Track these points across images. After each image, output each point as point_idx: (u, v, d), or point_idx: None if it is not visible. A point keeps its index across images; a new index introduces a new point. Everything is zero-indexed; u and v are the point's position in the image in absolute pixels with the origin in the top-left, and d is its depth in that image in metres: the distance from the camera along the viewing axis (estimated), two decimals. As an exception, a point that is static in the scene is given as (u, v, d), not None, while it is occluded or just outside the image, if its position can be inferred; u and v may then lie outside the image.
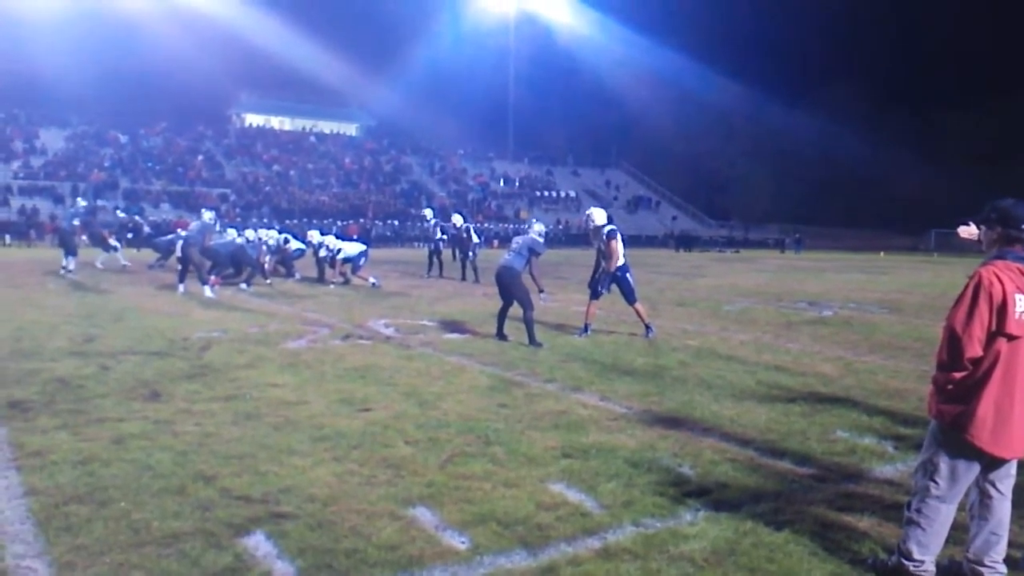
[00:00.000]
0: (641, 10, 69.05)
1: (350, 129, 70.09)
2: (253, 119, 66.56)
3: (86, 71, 52.51)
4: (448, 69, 67.01)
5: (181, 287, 15.71)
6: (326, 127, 66.75)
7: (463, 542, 4.00)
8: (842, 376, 8.36)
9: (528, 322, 10.03)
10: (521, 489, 4.75)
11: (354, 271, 18.29)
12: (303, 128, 65.05)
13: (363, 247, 18.94)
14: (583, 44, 69.32)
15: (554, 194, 62.32)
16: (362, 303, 14.55)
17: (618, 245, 10.79)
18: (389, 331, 11.06)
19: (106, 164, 49.76)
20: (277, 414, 6.35)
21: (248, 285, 16.99)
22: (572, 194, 62.78)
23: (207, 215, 16.47)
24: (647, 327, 10.85)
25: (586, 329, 10.89)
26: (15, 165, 47.03)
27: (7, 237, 36.97)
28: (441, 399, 6.96)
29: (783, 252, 53.32)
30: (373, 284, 17.75)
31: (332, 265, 18.60)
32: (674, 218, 63.61)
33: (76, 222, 21.09)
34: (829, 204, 72.50)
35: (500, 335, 10.46)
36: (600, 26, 68.92)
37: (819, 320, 13.37)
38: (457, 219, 21.76)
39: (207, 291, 15.03)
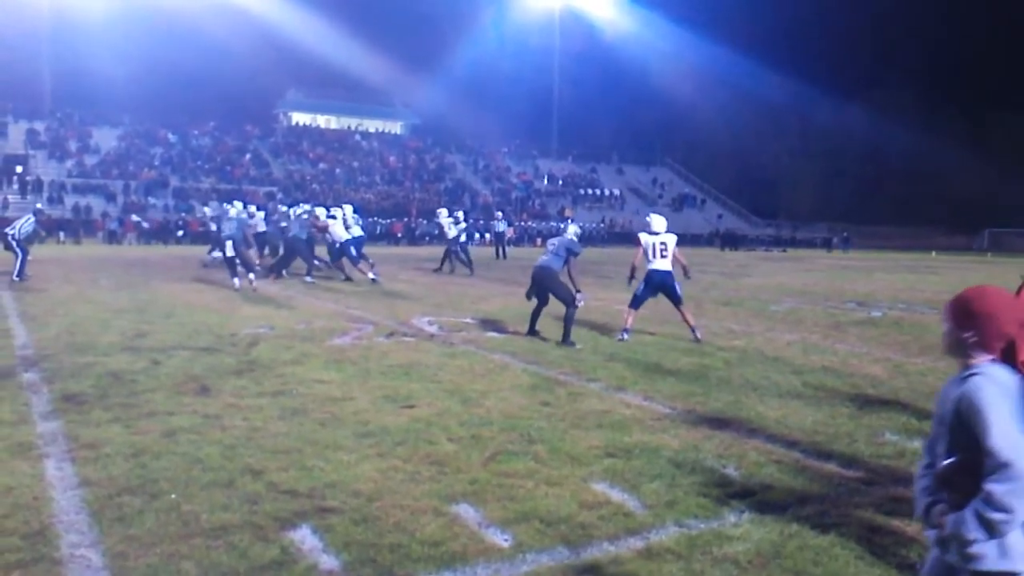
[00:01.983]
0: (688, 5, 68.37)
1: (395, 127, 70.58)
2: (300, 118, 67.33)
3: (138, 72, 53.67)
4: (493, 67, 67.26)
5: (236, 281, 16.00)
6: (371, 125, 67.28)
7: (506, 539, 4.02)
8: (891, 378, 8.22)
9: (568, 319, 10.04)
10: (564, 488, 4.75)
11: (353, 262, 18.57)
12: (349, 126, 65.66)
13: (359, 234, 19.42)
14: (629, 40, 68.90)
15: (598, 192, 62.12)
16: (405, 301, 14.66)
17: (640, 249, 10.89)
18: (432, 328, 11.13)
19: (156, 163, 50.75)
20: (323, 410, 6.43)
21: (310, 276, 18.08)
22: (616, 192, 62.52)
23: (233, 210, 17.08)
24: (693, 330, 10.58)
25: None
26: (69, 164, 48.17)
27: (61, 234, 37.86)
28: (484, 397, 6.99)
29: (831, 251, 52.53)
30: (372, 279, 17.84)
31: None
32: (720, 216, 62.99)
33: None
34: (879, 202, 71.12)
35: (532, 332, 10.58)
36: (646, 22, 68.46)
37: (868, 321, 13.15)
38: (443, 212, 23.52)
39: (253, 280, 15.83)
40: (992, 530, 2.19)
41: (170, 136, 54.72)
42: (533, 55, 68.70)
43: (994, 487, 2.16)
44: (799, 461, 5.36)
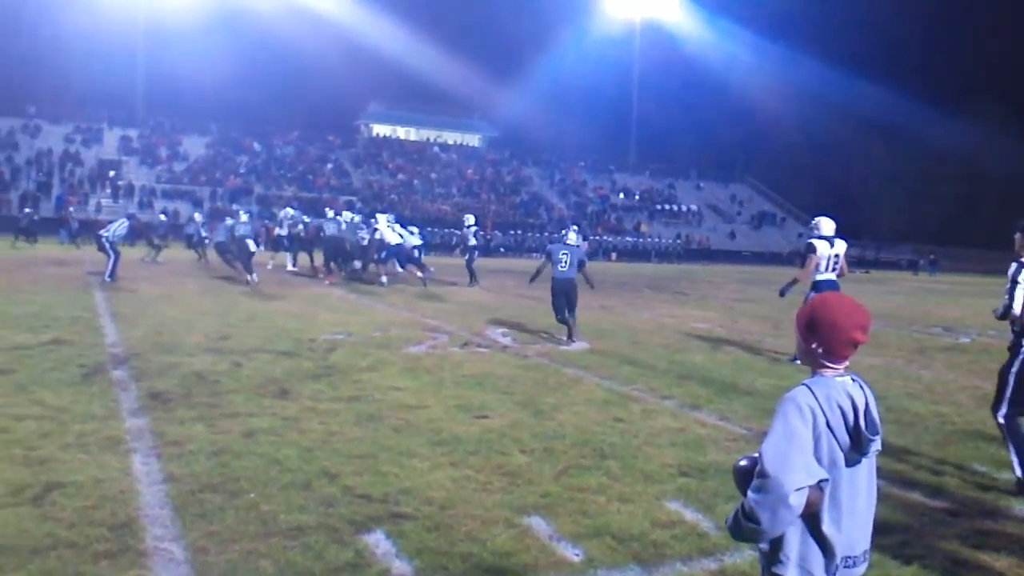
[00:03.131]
0: (773, 16, 67.22)
1: (473, 140, 71.23)
2: (380, 129, 68.50)
3: (226, 82, 55.45)
4: (571, 79, 67.23)
5: (250, 277, 17.90)
6: (450, 138, 68.03)
7: (577, 554, 4.00)
8: (979, 407, 7.91)
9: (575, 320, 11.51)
10: (636, 505, 4.71)
11: (401, 263, 19.60)
12: (428, 138, 66.52)
13: (410, 241, 20.19)
14: (710, 53, 67.96)
15: (675, 208, 61.52)
16: (480, 312, 14.74)
17: (813, 260, 10.12)
18: (506, 340, 11.17)
19: (242, 171, 52.22)
20: (397, 417, 6.51)
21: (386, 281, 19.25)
22: (694, 208, 61.81)
23: (243, 217, 19.33)
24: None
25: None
26: (159, 170, 49.96)
27: (155, 238, 39.19)
28: (557, 410, 6.98)
29: (916, 274, 50.88)
30: (421, 277, 19.44)
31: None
32: (800, 235, 61.59)
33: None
34: (972, 225, 68.59)
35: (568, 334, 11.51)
36: (728, 33, 67.31)
37: (955, 347, 12.70)
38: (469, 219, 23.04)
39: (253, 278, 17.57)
40: (743, 536, 2.19)
41: (255, 145, 56.27)
42: (612, 68, 68.44)
43: (749, 494, 2.14)
44: (881, 489, 5.19)
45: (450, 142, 66.96)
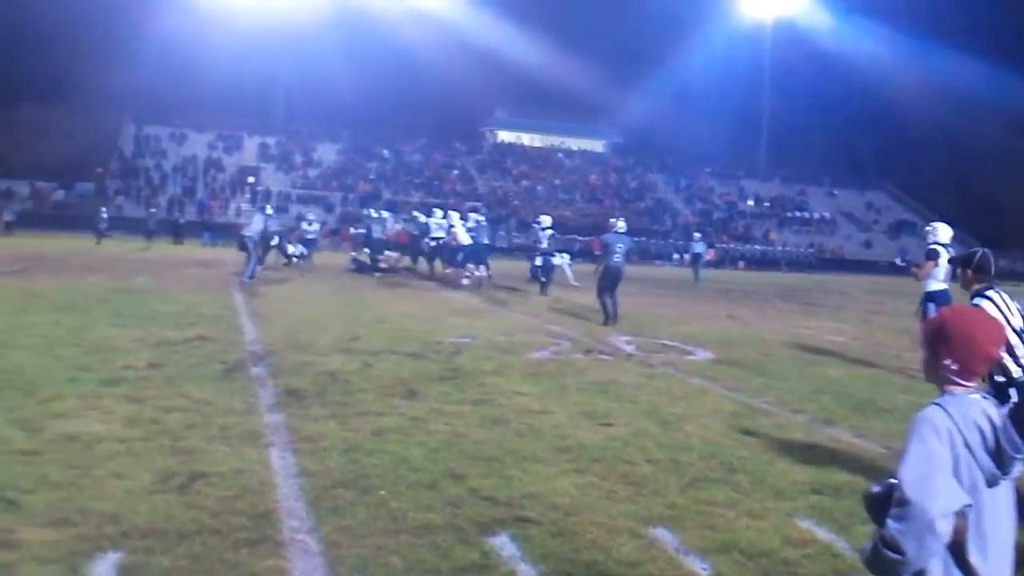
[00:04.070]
0: (914, 12, 63.62)
1: (597, 146, 71.04)
2: (505, 135, 69.28)
3: (358, 92, 57.21)
4: (698, 82, 65.84)
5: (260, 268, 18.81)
6: (574, 144, 68.11)
7: (704, 568, 3.92)
8: None
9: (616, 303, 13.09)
10: (766, 521, 4.57)
11: (457, 264, 19.93)
12: (552, 144, 66.82)
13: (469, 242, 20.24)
14: (847, 52, 65.13)
15: (807, 215, 59.56)
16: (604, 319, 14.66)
17: (931, 265, 9.71)
18: (630, 348, 11.07)
19: (371, 177, 53.90)
20: (522, 421, 6.55)
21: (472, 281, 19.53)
22: (826, 216, 59.69)
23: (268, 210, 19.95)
24: None
25: None
26: (294, 176, 52.18)
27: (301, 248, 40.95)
28: (683, 421, 6.86)
29: (1071, 288, 47.44)
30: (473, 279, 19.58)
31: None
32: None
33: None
34: None
35: (608, 318, 13.15)
36: (866, 33, 64.30)
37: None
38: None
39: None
40: (883, 569, 2.02)
41: (384, 152, 57.95)
42: (742, 69, 66.55)
43: (890, 523, 1.99)
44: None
45: (574, 148, 67.05)
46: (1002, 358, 4.68)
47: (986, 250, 5.29)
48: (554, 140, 67.84)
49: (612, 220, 14.53)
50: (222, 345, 9.51)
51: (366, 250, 24.63)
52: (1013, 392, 4.73)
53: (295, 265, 23.42)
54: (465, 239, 20.14)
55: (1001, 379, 4.75)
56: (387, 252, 24.22)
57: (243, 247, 18.75)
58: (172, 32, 50.86)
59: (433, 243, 21.77)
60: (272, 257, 23.04)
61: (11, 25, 60.37)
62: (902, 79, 63.46)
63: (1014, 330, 4.78)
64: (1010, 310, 4.86)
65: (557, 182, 58.48)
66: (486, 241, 21.61)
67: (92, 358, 8.23)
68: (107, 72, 52.43)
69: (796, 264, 48.89)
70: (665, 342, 11.82)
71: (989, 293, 4.87)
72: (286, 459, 5.27)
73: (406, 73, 61.35)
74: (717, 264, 46.50)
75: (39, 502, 4.30)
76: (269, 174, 51.94)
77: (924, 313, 9.51)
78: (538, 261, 19.64)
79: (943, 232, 9.89)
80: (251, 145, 54.92)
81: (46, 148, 61.45)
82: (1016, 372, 4.74)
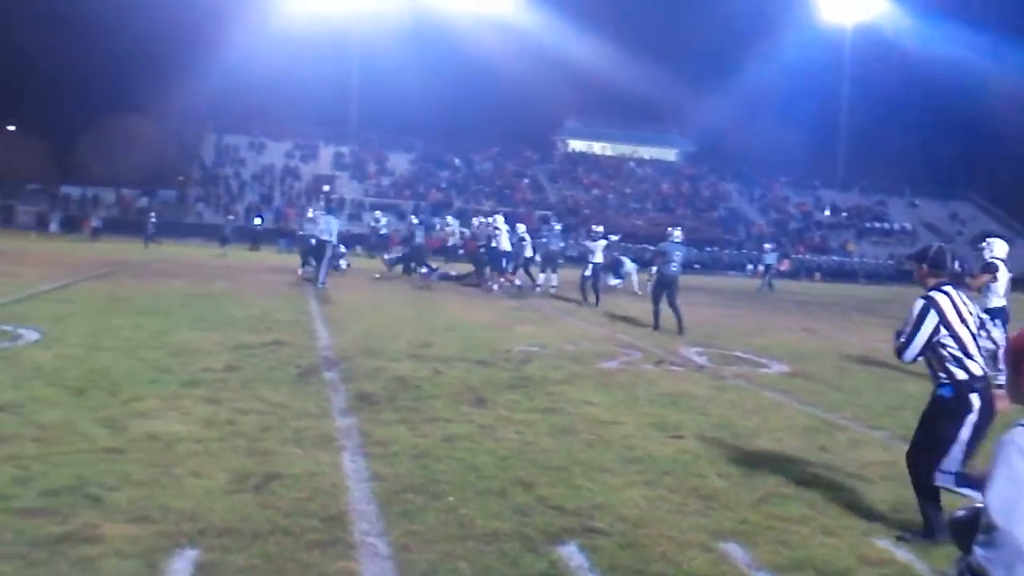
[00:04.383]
0: (1004, 16, 61.19)
1: (669, 155, 70.42)
2: (576, 144, 69.18)
3: (430, 101, 57.93)
4: (774, 89, 64.58)
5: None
6: (646, 153, 67.63)
7: (777, 586, 3.83)
8: None
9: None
10: (842, 539, 4.46)
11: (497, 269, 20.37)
12: (623, 153, 66.47)
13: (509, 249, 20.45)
14: (930, 58, 63.04)
15: (886, 226, 57.93)
16: (674, 330, 14.49)
17: (987, 278, 9.55)
18: (702, 360, 10.92)
19: (443, 185, 54.43)
20: (591, 431, 6.51)
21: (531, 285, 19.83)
22: (907, 227, 57.93)
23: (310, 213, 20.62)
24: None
25: None
26: (367, 184, 53.04)
27: (358, 247, 41.65)
28: (756, 434, 6.73)
29: None
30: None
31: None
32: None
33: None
34: None
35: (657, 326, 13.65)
36: (952, 36, 62.13)
37: None
38: (518, 226, 22.73)
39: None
40: None
41: (456, 160, 58.46)
42: (819, 76, 65.07)
43: (977, 551, 1.91)
44: None
45: (646, 157, 66.58)
46: (961, 354, 4.45)
47: (942, 244, 5.02)
48: (626, 149, 67.48)
49: (669, 229, 14.94)
50: (297, 350, 9.70)
51: (384, 256, 25.18)
52: (974, 397, 4.45)
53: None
54: (506, 245, 20.40)
55: (963, 377, 4.46)
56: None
57: (311, 251, 19.12)
58: (251, 44, 52.32)
59: (482, 249, 21.89)
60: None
61: (97, 40, 62.87)
62: (988, 84, 61.03)
63: (969, 330, 4.50)
64: (967, 308, 4.57)
65: (628, 191, 58.13)
66: (560, 246, 21.65)
67: (173, 360, 8.49)
68: (190, 84, 54.23)
69: (875, 276, 47.57)
70: (738, 354, 11.63)
71: (946, 288, 4.57)
72: (357, 463, 5.35)
73: (479, 82, 61.87)
74: (792, 275, 45.51)
75: (122, 499, 4.45)
76: (344, 182, 52.91)
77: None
78: (587, 271, 17.84)
79: (999, 247, 9.61)
80: (326, 154, 56.04)
81: (131, 157, 63.82)
82: (977, 371, 4.46)
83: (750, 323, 16.74)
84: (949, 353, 4.45)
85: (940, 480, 4.50)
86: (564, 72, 61.21)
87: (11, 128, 74.07)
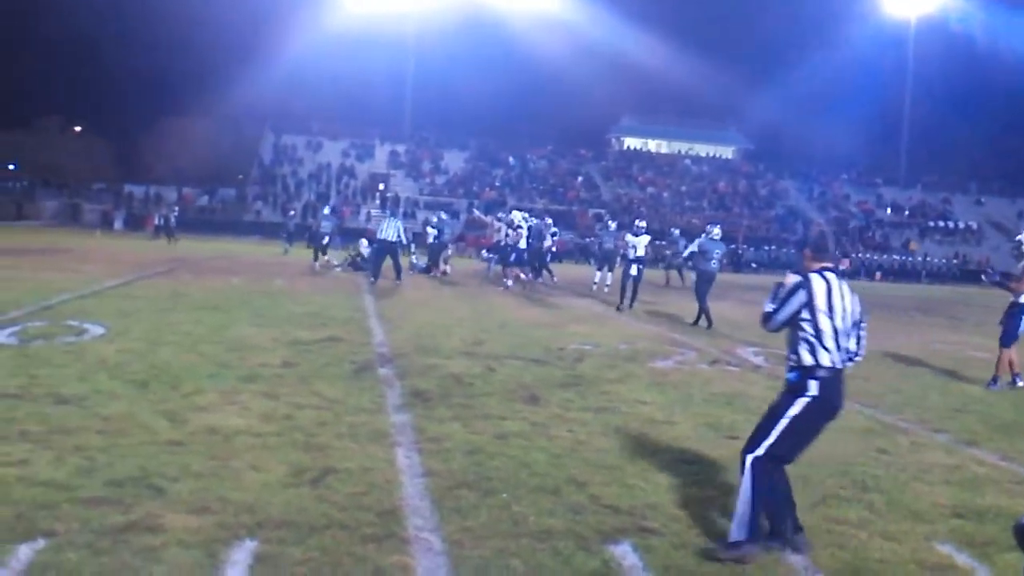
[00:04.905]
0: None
1: (726, 152, 69.58)
2: (631, 142, 68.76)
3: (485, 100, 58.25)
4: (834, 84, 63.33)
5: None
6: (702, 150, 66.90)
7: (835, 590, 3.77)
8: None
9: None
10: (902, 544, 4.36)
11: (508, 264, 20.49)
12: (679, 151, 65.86)
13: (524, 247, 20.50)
14: (997, 51, 61.07)
15: (951, 225, 56.41)
16: (729, 329, 14.33)
17: None
18: (758, 360, 10.77)
19: (496, 183, 54.54)
20: (644, 430, 6.48)
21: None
22: (973, 225, 56.33)
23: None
24: (1014, 376, 9.43)
25: (994, 381, 9.62)
26: (422, 183, 53.44)
27: (412, 246, 42.02)
28: (813, 435, 6.61)
29: None
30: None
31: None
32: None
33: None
34: None
35: (699, 321, 13.89)
36: (1021, 28, 60.30)
37: None
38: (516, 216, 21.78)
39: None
40: None
41: (510, 159, 58.54)
42: (881, 70, 63.52)
43: None
44: None
45: (702, 154, 65.87)
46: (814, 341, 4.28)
47: (824, 229, 4.82)
48: (681, 146, 66.87)
49: (708, 227, 15.09)
50: (352, 346, 9.82)
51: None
52: (813, 384, 4.28)
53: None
54: (523, 241, 20.60)
55: (809, 363, 4.29)
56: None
57: (381, 252, 19.38)
58: (309, 46, 53.16)
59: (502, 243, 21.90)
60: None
61: (160, 43, 64.31)
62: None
63: (832, 321, 4.30)
64: (842, 296, 4.36)
65: (684, 189, 57.59)
66: (615, 245, 21.47)
67: (231, 355, 8.66)
68: (249, 85, 55.29)
69: (938, 276, 46.37)
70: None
71: (827, 275, 4.39)
72: (411, 458, 5.40)
73: (533, 80, 61.99)
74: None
75: (183, 490, 4.56)
76: (399, 181, 53.39)
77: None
78: (633, 271, 16.35)
79: None
80: (382, 153, 56.58)
81: (192, 156, 65.33)
82: (826, 361, 4.27)
83: (808, 323, 16.42)
84: (803, 337, 4.31)
85: (745, 454, 4.35)
86: (619, 69, 60.94)
87: (77, 129, 76.48)
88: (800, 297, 4.33)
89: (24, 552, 3.68)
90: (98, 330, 9.71)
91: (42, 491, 4.40)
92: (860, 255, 48.21)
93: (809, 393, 4.30)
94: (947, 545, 4.39)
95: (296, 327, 11.03)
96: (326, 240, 23.49)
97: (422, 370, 8.54)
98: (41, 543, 3.78)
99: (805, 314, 4.31)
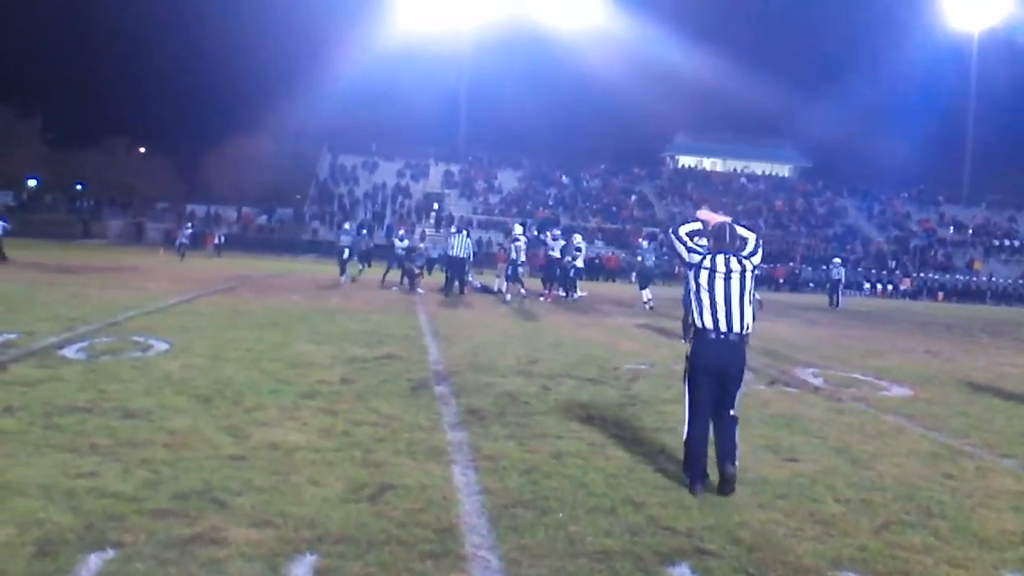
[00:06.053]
0: None
1: (783, 170, 68.77)
2: (686, 160, 68.41)
3: (539, 119, 58.52)
4: (894, 101, 62.48)
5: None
6: (758, 168, 66.26)
7: (900, 618, 3.68)
8: None
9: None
10: (969, 572, 4.25)
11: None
12: (735, 169, 65.29)
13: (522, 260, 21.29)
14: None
15: (1017, 243, 54.87)
16: (788, 349, 14.13)
17: None
18: (817, 381, 10.59)
19: (550, 202, 54.70)
20: (701, 451, 6.40)
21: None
22: (1039, 244, 54.75)
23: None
24: None
25: None
26: (476, 202, 53.82)
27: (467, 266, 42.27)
28: (875, 459, 6.48)
29: None
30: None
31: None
32: None
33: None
34: None
35: None
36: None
37: None
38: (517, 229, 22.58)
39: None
40: None
41: (564, 178, 58.67)
42: (943, 86, 62.38)
43: None
44: None
45: (758, 172, 65.22)
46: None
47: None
48: (737, 164, 66.33)
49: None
50: (408, 364, 9.91)
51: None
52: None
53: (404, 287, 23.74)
54: (522, 255, 21.30)
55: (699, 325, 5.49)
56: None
57: (449, 268, 19.75)
58: (364, 67, 54.07)
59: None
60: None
61: (221, 66, 65.97)
62: None
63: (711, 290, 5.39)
64: (728, 267, 5.39)
65: (740, 207, 56.98)
66: (653, 262, 21.48)
67: (291, 372, 8.81)
68: (307, 106, 56.41)
69: (1004, 296, 45.15)
70: (856, 376, 11.23)
71: (718, 257, 5.37)
72: (468, 476, 5.42)
73: (587, 99, 62.17)
74: (914, 295, 43.69)
75: (245, 504, 4.65)
76: (453, 200, 53.86)
77: None
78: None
79: None
80: (436, 172, 57.21)
81: (251, 176, 66.77)
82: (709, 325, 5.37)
83: (868, 344, 16.14)
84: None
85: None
86: (674, 87, 60.82)
87: (141, 150, 78.74)
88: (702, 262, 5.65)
89: (94, 561, 3.78)
90: (163, 346, 9.96)
91: (111, 502, 4.53)
92: (921, 274, 47.18)
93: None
94: (1016, 574, 4.27)
95: (353, 344, 11.17)
96: (345, 255, 23.99)
97: (477, 388, 8.57)
98: (110, 553, 3.88)
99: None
